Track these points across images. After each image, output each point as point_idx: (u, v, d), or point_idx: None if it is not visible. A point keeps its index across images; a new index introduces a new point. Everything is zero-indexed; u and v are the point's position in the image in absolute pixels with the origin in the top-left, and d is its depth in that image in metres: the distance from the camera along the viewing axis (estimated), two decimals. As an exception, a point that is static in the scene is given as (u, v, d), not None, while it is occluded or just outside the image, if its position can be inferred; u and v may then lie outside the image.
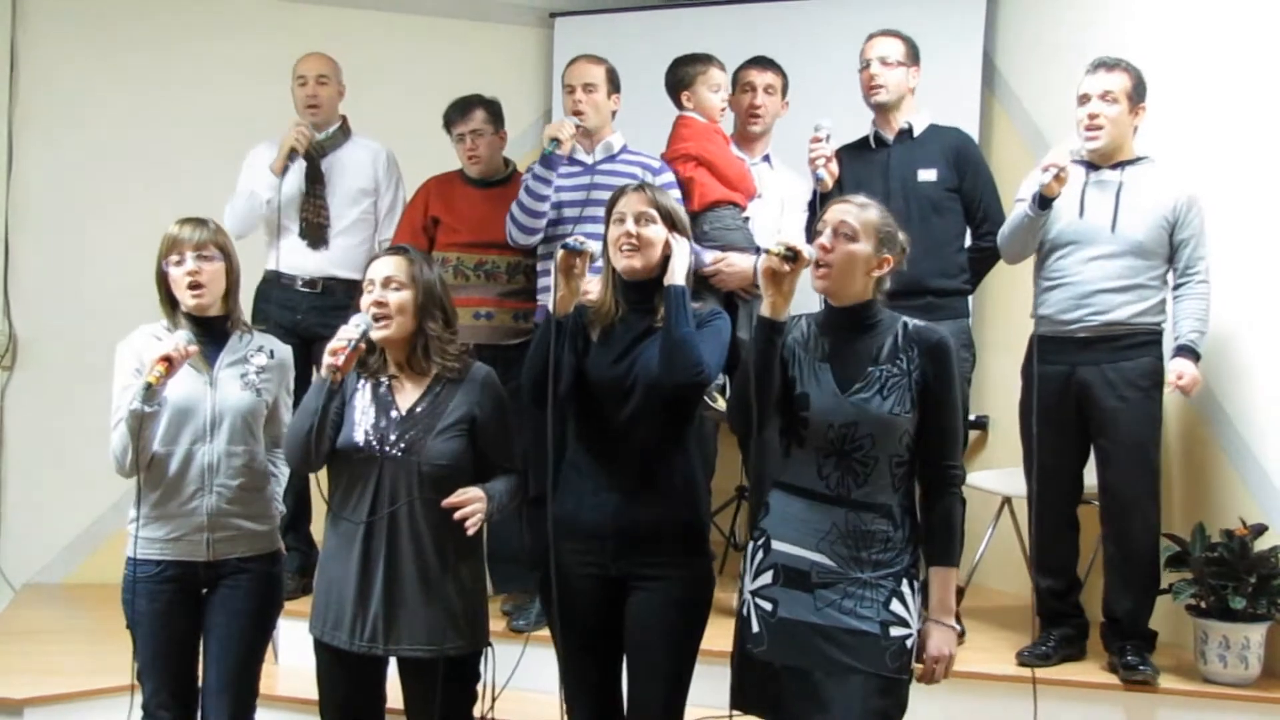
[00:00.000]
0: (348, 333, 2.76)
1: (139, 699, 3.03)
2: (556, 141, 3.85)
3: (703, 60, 4.19)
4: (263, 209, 4.27)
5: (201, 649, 3.04)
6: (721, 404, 3.56)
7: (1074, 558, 3.89)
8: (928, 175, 3.96)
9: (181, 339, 2.87)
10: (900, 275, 2.74)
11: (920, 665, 2.63)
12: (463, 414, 2.85)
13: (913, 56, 4.03)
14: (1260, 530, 3.68)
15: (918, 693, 2.64)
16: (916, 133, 4.03)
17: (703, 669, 2.84)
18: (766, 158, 4.32)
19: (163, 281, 3.01)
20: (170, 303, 3.02)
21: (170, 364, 2.81)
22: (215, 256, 3.00)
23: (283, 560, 3.18)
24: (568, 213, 3.93)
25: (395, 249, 3.00)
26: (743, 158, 4.22)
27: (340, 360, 2.72)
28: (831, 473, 2.61)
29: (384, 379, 2.89)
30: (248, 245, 3.94)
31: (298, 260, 4.32)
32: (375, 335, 2.83)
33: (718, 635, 2.84)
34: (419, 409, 2.85)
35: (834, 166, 3.78)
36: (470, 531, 2.75)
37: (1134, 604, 3.72)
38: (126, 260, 4.82)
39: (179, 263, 2.97)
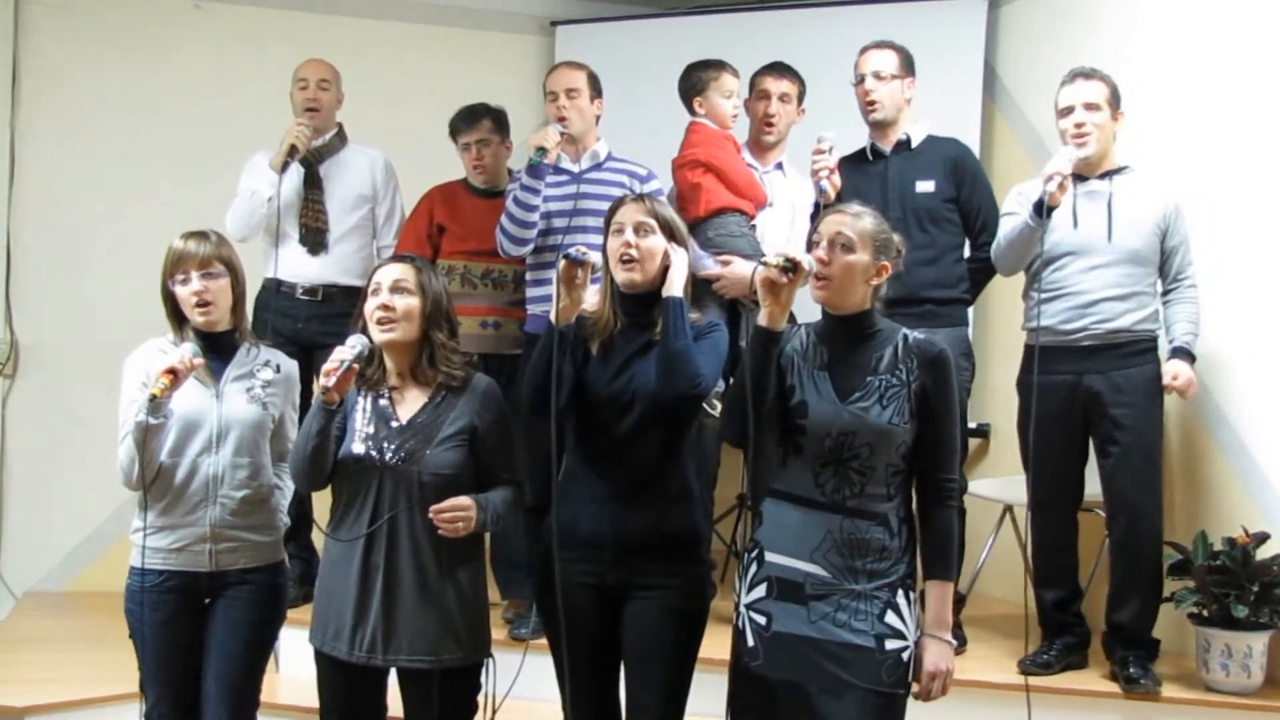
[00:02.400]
0: (342, 354, 2.75)
1: (134, 707, 3.03)
2: (542, 151, 3.85)
3: (715, 66, 4.19)
4: (263, 207, 4.25)
5: (204, 658, 3.03)
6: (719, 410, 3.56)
7: (1075, 566, 3.89)
8: (925, 186, 3.96)
9: (187, 351, 2.87)
10: (899, 285, 2.74)
11: (918, 681, 2.61)
12: (463, 424, 2.85)
13: (907, 67, 4.03)
14: (1262, 538, 3.68)
15: (919, 704, 2.63)
16: (914, 144, 4.02)
17: (701, 678, 2.83)
18: (779, 165, 4.33)
19: (169, 298, 3.02)
20: (177, 318, 3.03)
21: (175, 376, 2.81)
22: (220, 272, 3.00)
23: (286, 571, 3.18)
24: (557, 222, 3.93)
25: (402, 257, 2.99)
26: (754, 165, 4.23)
27: (333, 381, 2.72)
28: (828, 481, 2.60)
29: (384, 390, 2.88)
30: (248, 255, 3.94)
31: (298, 268, 4.31)
32: (381, 339, 2.83)
33: (717, 644, 2.83)
34: (419, 419, 2.85)
35: (837, 178, 3.77)
36: (441, 532, 2.73)
37: (1139, 610, 3.72)
38: (128, 268, 4.84)
39: (185, 281, 2.97)
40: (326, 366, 2.73)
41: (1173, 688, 3.68)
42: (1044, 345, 3.72)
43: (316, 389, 2.81)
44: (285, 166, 4.21)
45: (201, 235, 3.03)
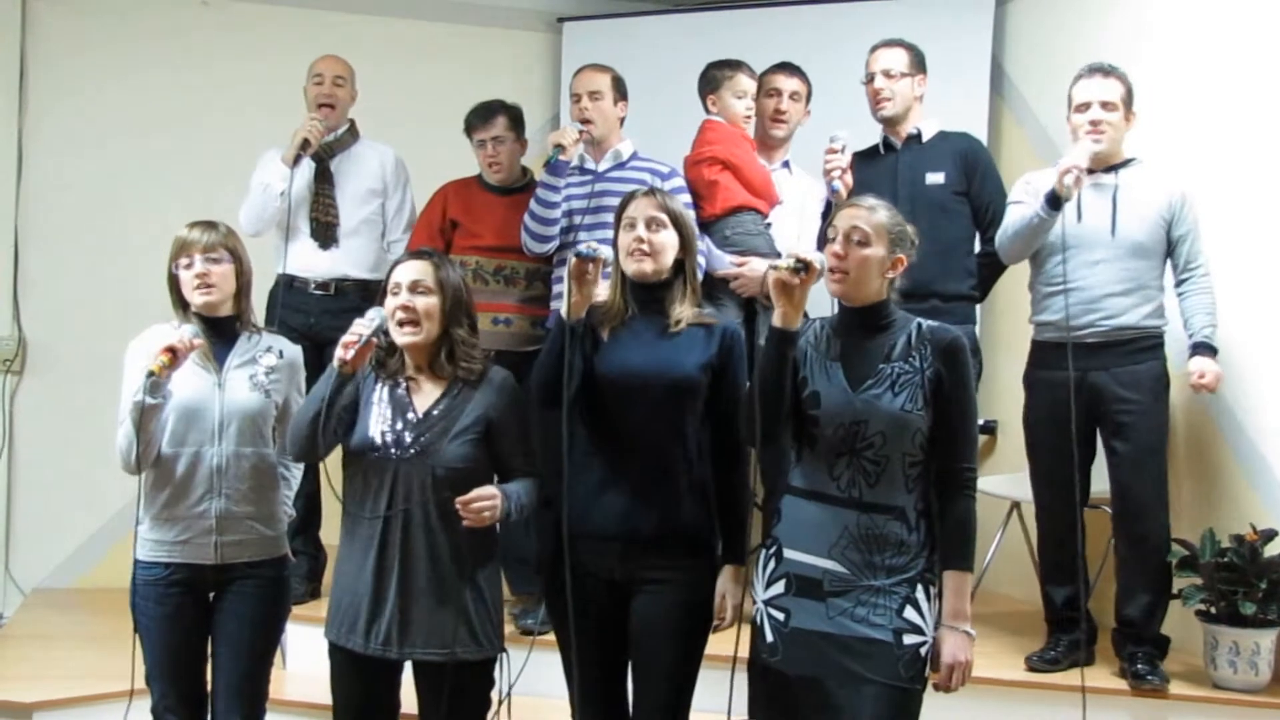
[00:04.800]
0: (360, 327, 2.75)
1: (140, 702, 3.04)
2: (560, 148, 3.86)
3: (731, 66, 4.18)
4: (276, 200, 4.26)
5: (211, 653, 3.04)
6: None
7: (1082, 563, 3.88)
8: (936, 178, 3.96)
9: (187, 332, 2.88)
10: (906, 279, 2.74)
11: (937, 673, 2.61)
12: (479, 416, 2.85)
13: (918, 65, 4.03)
14: (1270, 535, 3.67)
15: (928, 699, 2.63)
16: (925, 138, 4.03)
17: (707, 674, 2.83)
18: (786, 164, 4.33)
19: (173, 284, 3.02)
20: (182, 305, 3.03)
21: (174, 354, 2.81)
22: (224, 259, 3.01)
23: (290, 565, 3.18)
24: (580, 220, 3.94)
25: (419, 253, 2.98)
26: (763, 163, 4.22)
27: (350, 354, 2.71)
28: (843, 473, 2.60)
29: (401, 380, 2.88)
30: (260, 250, 3.94)
31: (309, 262, 4.33)
32: (403, 341, 2.83)
33: (725, 640, 2.83)
34: (436, 411, 2.85)
35: (849, 178, 3.76)
36: (467, 523, 2.74)
37: (1148, 606, 3.72)
38: (136, 266, 4.85)
39: (188, 265, 2.98)
40: (345, 339, 2.73)
41: (1180, 685, 3.69)
42: (1051, 341, 3.73)
43: (335, 360, 2.79)
44: (297, 160, 4.23)
45: (209, 224, 3.04)
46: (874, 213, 2.66)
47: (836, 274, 2.63)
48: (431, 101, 4.74)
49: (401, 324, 2.82)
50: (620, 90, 4.08)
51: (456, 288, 2.89)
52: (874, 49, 4.05)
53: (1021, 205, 3.73)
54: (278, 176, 4.25)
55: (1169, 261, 3.77)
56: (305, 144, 4.22)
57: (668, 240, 2.82)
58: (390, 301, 2.85)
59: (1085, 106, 3.71)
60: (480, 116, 4.30)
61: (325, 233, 4.34)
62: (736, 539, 2.86)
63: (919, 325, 2.65)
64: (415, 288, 2.84)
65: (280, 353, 3.11)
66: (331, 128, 4.39)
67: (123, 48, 5.25)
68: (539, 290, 4.17)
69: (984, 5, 5.11)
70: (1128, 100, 3.72)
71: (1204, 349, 3.67)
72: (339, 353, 2.73)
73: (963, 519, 2.62)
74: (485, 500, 2.75)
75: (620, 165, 4.05)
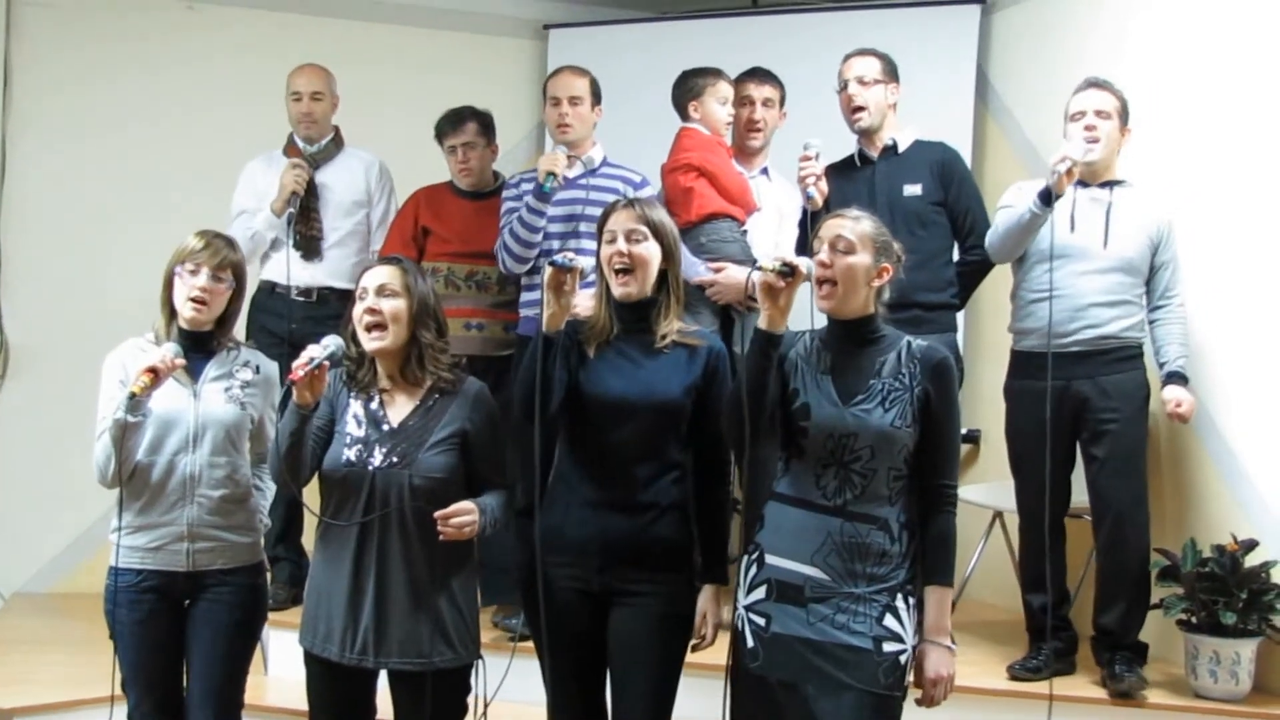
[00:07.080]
0: (313, 351, 2.73)
1: (120, 709, 3.03)
2: (552, 176, 3.84)
3: (713, 74, 4.18)
4: (266, 245, 4.33)
5: (186, 661, 3.02)
6: None
7: (1063, 572, 3.89)
8: (913, 190, 3.96)
9: (169, 351, 2.87)
10: (891, 289, 2.75)
11: (920, 687, 2.62)
12: (455, 428, 2.85)
13: (890, 73, 4.03)
14: (1251, 546, 3.68)
15: (910, 708, 2.64)
16: (901, 149, 4.03)
17: (693, 683, 2.83)
18: (765, 170, 4.33)
19: (168, 284, 3.01)
20: (169, 306, 3.02)
21: (156, 375, 2.81)
22: (228, 281, 3.02)
23: (265, 572, 3.17)
24: (553, 228, 3.94)
25: (388, 259, 2.99)
26: (741, 171, 4.23)
27: (299, 375, 2.68)
28: (830, 482, 2.61)
29: (374, 393, 2.88)
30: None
31: (292, 271, 4.31)
32: (370, 347, 2.82)
33: (713, 649, 2.84)
34: (411, 422, 2.84)
35: (824, 185, 3.77)
36: (445, 536, 2.73)
37: (1125, 614, 3.73)
38: (121, 269, 4.85)
39: (194, 273, 2.97)
40: (296, 363, 2.71)
41: (1161, 694, 3.70)
42: (1032, 350, 3.75)
43: (291, 402, 2.79)
44: (287, 209, 4.25)
45: (225, 240, 3.05)
46: (859, 222, 2.68)
47: (824, 288, 2.64)
48: (417, 108, 4.73)
49: (369, 329, 2.82)
50: (597, 95, 4.08)
51: (424, 293, 2.88)
52: (846, 58, 4.06)
53: (1012, 208, 3.74)
54: (266, 225, 4.29)
55: (1147, 286, 3.80)
56: (293, 195, 4.25)
57: (649, 252, 2.81)
58: (357, 307, 2.85)
59: (1080, 115, 3.74)
60: (450, 122, 4.31)
61: (310, 246, 4.35)
62: (717, 557, 2.87)
63: (909, 344, 2.67)
64: (381, 291, 2.83)
65: (256, 368, 3.11)
66: (314, 140, 4.42)
67: (108, 50, 5.24)
68: (510, 295, 4.17)
69: (969, 14, 5.13)
70: (1122, 113, 3.75)
71: (1178, 378, 3.72)
72: (289, 376, 2.71)
73: (944, 535, 2.64)
74: (464, 515, 2.75)
75: (591, 172, 4.04)
